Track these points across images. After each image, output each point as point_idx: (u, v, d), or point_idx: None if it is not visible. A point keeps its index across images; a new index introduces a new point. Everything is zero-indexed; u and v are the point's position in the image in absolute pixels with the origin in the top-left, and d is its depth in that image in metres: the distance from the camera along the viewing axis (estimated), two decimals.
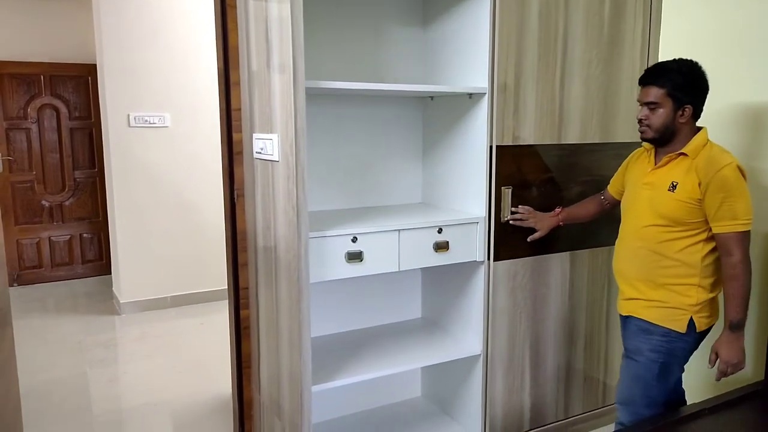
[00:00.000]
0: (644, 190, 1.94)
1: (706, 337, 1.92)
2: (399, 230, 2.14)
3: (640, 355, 1.94)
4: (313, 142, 2.40)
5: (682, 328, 1.87)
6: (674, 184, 1.84)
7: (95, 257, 5.34)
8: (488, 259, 2.31)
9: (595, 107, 2.45)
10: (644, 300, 1.94)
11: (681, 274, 1.87)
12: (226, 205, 2.39)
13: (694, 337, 1.89)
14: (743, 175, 1.79)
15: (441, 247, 2.22)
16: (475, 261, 2.32)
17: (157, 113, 4.26)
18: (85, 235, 5.30)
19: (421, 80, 2.58)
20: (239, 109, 2.30)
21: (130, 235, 4.31)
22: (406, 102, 2.59)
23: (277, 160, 1.99)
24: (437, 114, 2.54)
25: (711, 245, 1.84)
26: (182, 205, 4.43)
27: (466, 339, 2.45)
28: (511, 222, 2.29)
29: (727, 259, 1.79)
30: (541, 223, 2.31)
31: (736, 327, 1.81)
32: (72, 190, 5.20)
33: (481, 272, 2.33)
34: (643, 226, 1.92)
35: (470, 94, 2.30)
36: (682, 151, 1.85)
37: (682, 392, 2.04)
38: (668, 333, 1.89)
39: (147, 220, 4.34)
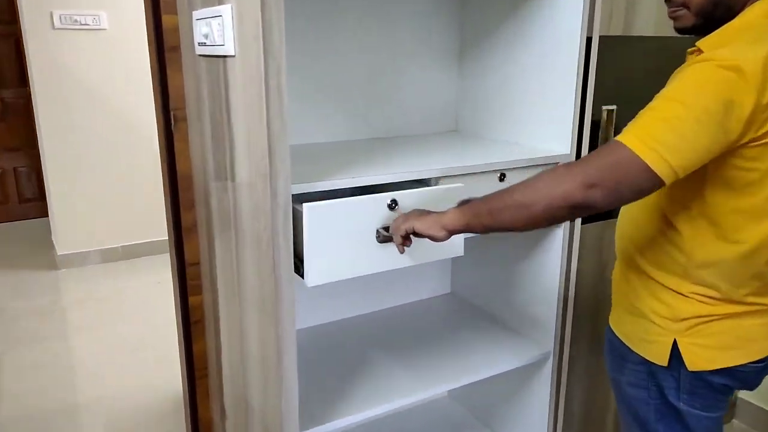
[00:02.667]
0: None
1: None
2: (465, 173, 1.30)
3: (618, 388, 1.18)
4: (295, 39, 1.51)
5: (659, 358, 1.06)
6: None
7: (34, 196, 4.44)
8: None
9: None
10: (622, 296, 1.16)
11: (665, 261, 1.05)
12: (160, 136, 1.52)
13: (691, 382, 1.05)
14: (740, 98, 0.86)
15: None
16: None
17: (89, 11, 3.26)
18: (20, 168, 4.38)
19: None
20: None
21: (65, 170, 3.42)
22: None
23: (232, 54, 1.11)
24: None
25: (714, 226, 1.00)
26: (130, 131, 3.50)
27: (525, 331, 1.67)
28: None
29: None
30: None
31: (458, 213, 1.06)
32: None
33: (558, 239, 1.51)
34: None
35: None
36: (697, 44, 0.99)
37: None
38: (644, 363, 1.10)
39: (86, 152, 3.44)
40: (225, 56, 1.14)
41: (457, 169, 1.31)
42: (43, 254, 3.75)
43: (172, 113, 1.45)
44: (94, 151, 3.45)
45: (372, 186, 1.22)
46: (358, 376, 1.46)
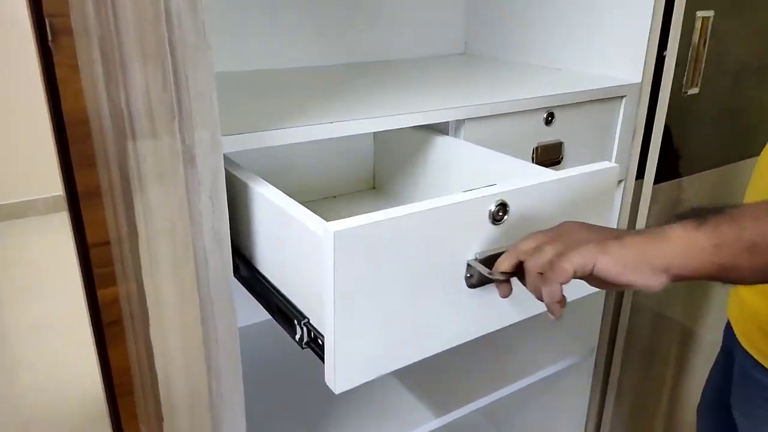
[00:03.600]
0: None
1: None
2: (496, 113, 0.85)
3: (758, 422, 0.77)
4: None
5: None
6: None
7: None
8: (640, 176, 1.05)
9: None
10: None
11: None
12: (38, 57, 1.02)
13: None
14: None
15: (550, 154, 0.96)
16: None
17: None
18: None
19: None
20: None
21: None
22: None
23: None
24: None
25: None
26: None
27: (561, 320, 1.27)
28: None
29: None
30: None
31: (702, 238, 0.49)
32: None
33: (614, 201, 1.09)
34: None
35: None
36: None
37: None
38: None
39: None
40: None
41: (484, 108, 0.86)
42: None
43: (47, 22, 0.95)
44: (11, 76, 2.87)
45: (355, 136, 0.76)
46: (341, 400, 1.04)
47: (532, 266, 0.54)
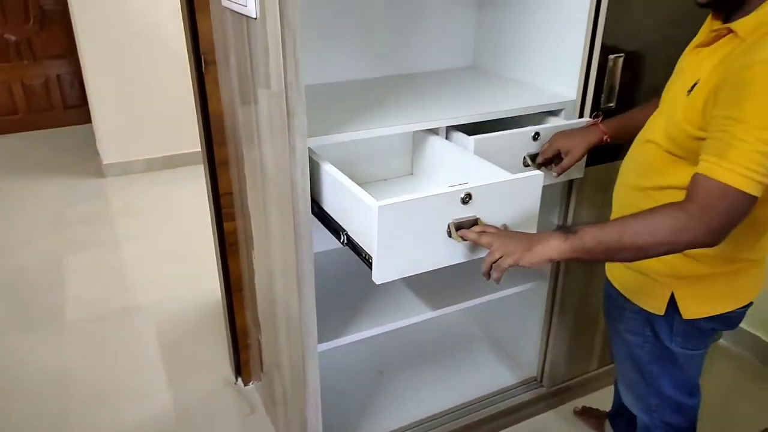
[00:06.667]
0: (674, 82, 1.17)
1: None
2: (472, 121, 1.40)
3: (617, 335, 1.35)
4: None
5: (657, 308, 1.20)
6: (696, 83, 1.03)
7: (77, 102, 4.61)
8: None
9: None
10: None
11: None
12: (192, 78, 1.63)
13: (683, 327, 1.20)
14: None
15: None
16: None
17: None
18: (63, 75, 4.54)
19: None
20: None
21: (107, 79, 3.55)
22: None
23: (254, 16, 1.20)
24: None
25: None
26: (169, 40, 3.57)
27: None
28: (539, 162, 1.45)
29: (677, 205, 0.98)
30: (570, 141, 1.40)
31: (567, 245, 1.03)
32: (39, 22, 4.33)
33: (557, 185, 1.61)
34: (645, 139, 1.17)
35: None
36: (730, 25, 1.01)
37: (696, 404, 1.34)
38: (641, 312, 1.24)
39: (126, 60, 3.54)
40: (248, 16, 1.23)
41: (463, 118, 1.40)
42: (89, 161, 3.98)
43: (202, 57, 1.56)
44: (134, 62, 3.55)
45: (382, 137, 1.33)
46: (373, 295, 1.64)
47: (488, 260, 1.07)
